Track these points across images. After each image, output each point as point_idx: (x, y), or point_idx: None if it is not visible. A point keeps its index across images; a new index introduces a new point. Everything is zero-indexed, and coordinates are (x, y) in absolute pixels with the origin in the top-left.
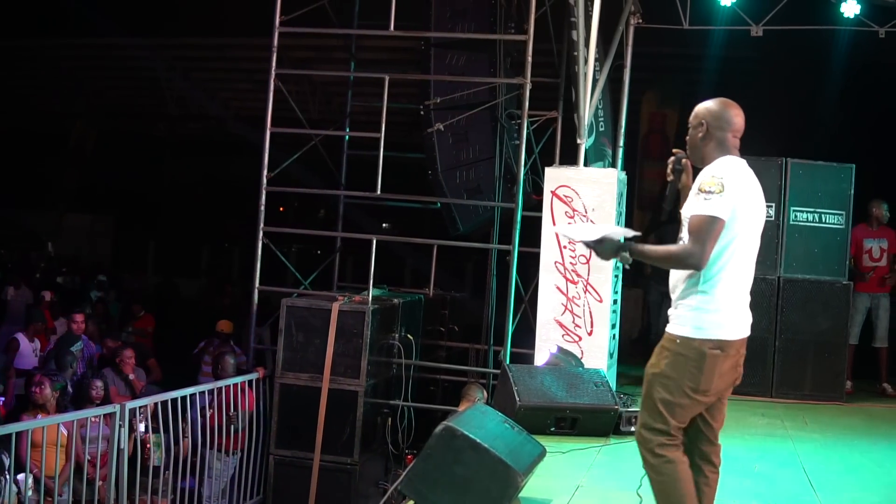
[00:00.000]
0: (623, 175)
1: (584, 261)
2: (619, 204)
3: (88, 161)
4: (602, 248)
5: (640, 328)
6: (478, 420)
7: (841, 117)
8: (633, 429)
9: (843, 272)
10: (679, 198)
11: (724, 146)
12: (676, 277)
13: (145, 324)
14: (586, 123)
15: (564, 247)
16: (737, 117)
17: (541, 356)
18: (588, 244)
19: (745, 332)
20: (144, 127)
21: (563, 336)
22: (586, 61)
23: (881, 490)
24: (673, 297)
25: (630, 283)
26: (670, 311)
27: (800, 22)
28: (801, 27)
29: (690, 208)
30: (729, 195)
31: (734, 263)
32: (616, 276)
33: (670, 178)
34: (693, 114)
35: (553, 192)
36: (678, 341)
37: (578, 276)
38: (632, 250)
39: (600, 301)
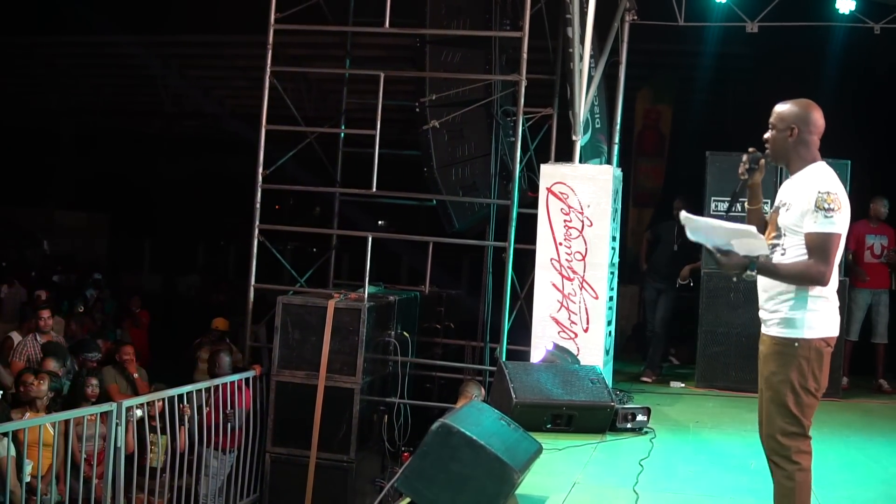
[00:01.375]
0: (619, 172)
1: (580, 257)
2: (615, 201)
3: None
4: (728, 261)
5: (636, 325)
6: (474, 417)
7: (837, 114)
8: (629, 425)
9: (841, 268)
10: (750, 195)
11: (812, 149)
12: (773, 280)
13: (142, 322)
14: (581, 120)
15: (560, 243)
16: (821, 119)
17: (537, 353)
18: (717, 250)
19: (838, 328)
20: (140, 125)
21: (559, 333)
22: (581, 58)
23: (877, 486)
24: (771, 300)
25: (626, 280)
26: (771, 315)
27: (795, 18)
28: (796, 24)
29: (810, 225)
30: (844, 210)
31: (834, 266)
32: (612, 273)
33: (744, 176)
34: (777, 115)
35: (549, 189)
36: (797, 344)
37: (574, 272)
38: (760, 268)
39: (596, 298)
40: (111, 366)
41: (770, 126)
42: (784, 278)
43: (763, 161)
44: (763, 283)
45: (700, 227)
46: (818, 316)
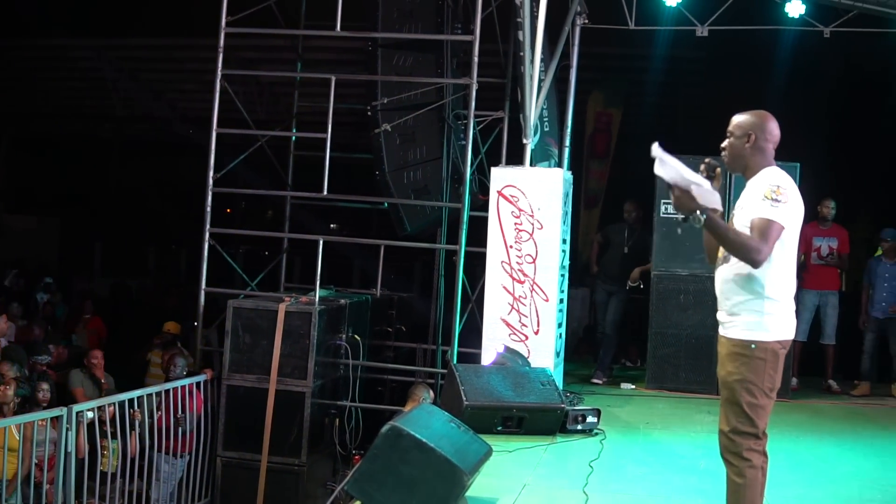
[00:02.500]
0: (569, 175)
1: (531, 260)
2: (565, 203)
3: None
4: (683, 200)
5: (587, 327)
6: (424, 420)
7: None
8: (579, 427)
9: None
10: None
11: (767, 156)
12: (730, 284)
13: (95, 326)
14: (532, 124)
15: (511, 246)
16: (777, 129)
17: (488, 355)
18: (674, 184)
19: (794, 330)
20: (91, 128)
21: (509, 335)
22: (532, 62)
23: (826, 486)
24: (727, 303)
25: (576, 283)
26: (729, 317)
27: (745, 22)
28: (747, 27)
29: (757, 211)
30: (791, 206)
31: (789, 268)
32: (562, 276)
33: None
34: (735, 124)
35: (499, 192)
36: (753, 346)
37: (525, 275)
38: (709, 219)
39: (547, 300)
40: (79, 369)
41: (727, 134)
42: (725, 239)
43: (719, 169)
44: (720, 285)
45: (669, 162)
46: (774, 319)
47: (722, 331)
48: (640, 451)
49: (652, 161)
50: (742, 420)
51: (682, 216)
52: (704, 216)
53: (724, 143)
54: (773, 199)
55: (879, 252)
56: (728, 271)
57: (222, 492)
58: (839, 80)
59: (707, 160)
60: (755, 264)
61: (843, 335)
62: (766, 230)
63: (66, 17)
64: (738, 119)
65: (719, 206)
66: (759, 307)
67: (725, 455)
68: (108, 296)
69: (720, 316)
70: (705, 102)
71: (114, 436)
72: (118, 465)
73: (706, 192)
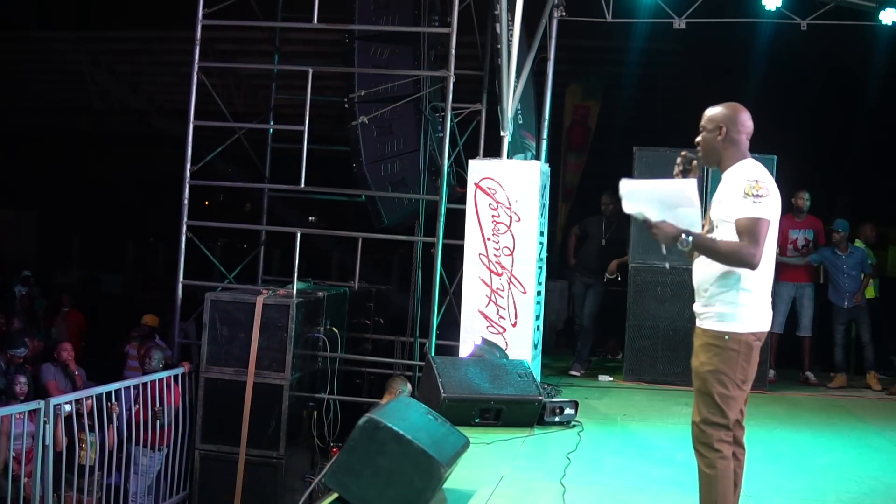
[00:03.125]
0: (546, 167)
1: (508, 252)
2: (543, 196)
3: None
4: (662, 232)
5: (565, 319)
6: (401, 412)
7: (764, 109)
8: (557, 419)
9: None
10: None
11: (741, 148)
12: (707, 275)
13: (74, 320)
14: (510, 116)
15: (489, 239)
16: (749, 120)
17: (465, 348)
18: (648, 224)
19: (770, 322)
20: (68, 121)
21: (487, 327)
22: (509, 54)
23: (804, 477)
24: (704, 294)
25: (554, 275)
26: (704, 308)
27: (722, 15)
28: (724, 20)
29: (740, 211)
30: (772, 198)
31: (767, 261)
32: (540, 268)
33: (678, 177)
34: (707, 118)
35: (477, 185)
36: (727, 337)
37: (503, 267)
38: (695, 241)
39: (524, 293)
40: (50, 363)
41: (700, 129)
42: (717, 255)
43: (695, 162)
44: (697, 277)
45: (639, 191)
46: (749, 311)
47: (698, 322)
48: (618, 442)
49: (630, 154)
50: (713, 411)
51: (668, 244)
52: (690, 238)
53: (698, 138)
54: (754, 195)
55: (858, 244)
56: (705, 263)
57: (200, 484)
58: (816, 72)
59: (683, 153)
60: (752, 267)
61: (820, 327)
62: (755, 230)
63: (44, 9)
64: (710, 113)
65: (698, 225)
66: (735, 299)
67: (697, 446)
68: (86, 289)
69: (696, 307)
70: (683, 95)
71: (91, 429)
72: (96, 458)
73: (682, 216)
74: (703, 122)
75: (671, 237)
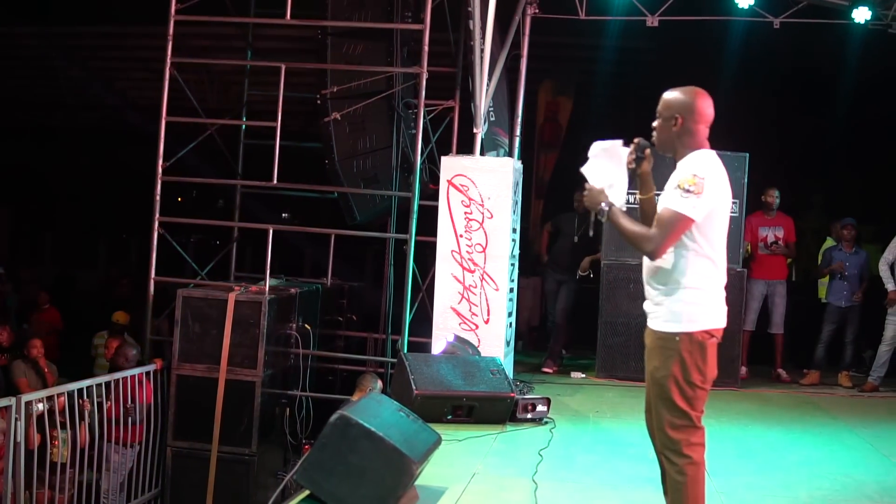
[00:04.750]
0: (519, 164)
1: (481, 249)
2: (515, 193)
3: None
4: (589, 195)
5: (539, 316)
6: (373, 409)
7: (737, 107)
8: (529, 416)
9: (737, 259)
10: (640, 184)
11: (697, 138)
12: (653, 275)
13: (50, 318)
14: (483, 112)
15: (461, 235)
16: (709, 108)
17: (438, 345)
18: (587, 183)
19: (725, 319)
20: (41, 117)
21: (459, 324)
22: (482, 51)
23: (776, 474)
24: (652, 293)
25: (529, 272)
26: (653, 308)
27: (695, 13)
28: (697, 18)
29: (666, 200)
30: (707, 198)
31: (716, 256)
32: (512, 265)
33: (631, 165)
34: (664, 104)
35: (449, 182)
36: (678, 339)
37: (475, 264)
38: (611, 212)
39: (497, 289)
40: (20, 360)
41: (657, 114)
42: (624, 234)
43: (649, 150)
44: (648, 275)
45: (605, 154)
46: (700, 309)
47: (648, 321)
48: (590, 439)
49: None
50: (676, 414)
51: (590, 208)
52: (608, 209)
53: (654, 123)
54: (684, 189)
55: (829, 243)
56: (650, 262)
57: (172, 481)
58: (789, 70)
59: (637, 140)
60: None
61: (792, 324)
62: (668, 222)
63: (15, 4)
64: (667, 97)
65: (622, 202)
66: (681, 297)
67: (664, 452)
68: (58, 285)
69: (646, 306)
70: (656, 92)
71: (63, 426)
72: (68, 455)
73: (617, 193)
74: (659, 108)
75: (594, 203)
